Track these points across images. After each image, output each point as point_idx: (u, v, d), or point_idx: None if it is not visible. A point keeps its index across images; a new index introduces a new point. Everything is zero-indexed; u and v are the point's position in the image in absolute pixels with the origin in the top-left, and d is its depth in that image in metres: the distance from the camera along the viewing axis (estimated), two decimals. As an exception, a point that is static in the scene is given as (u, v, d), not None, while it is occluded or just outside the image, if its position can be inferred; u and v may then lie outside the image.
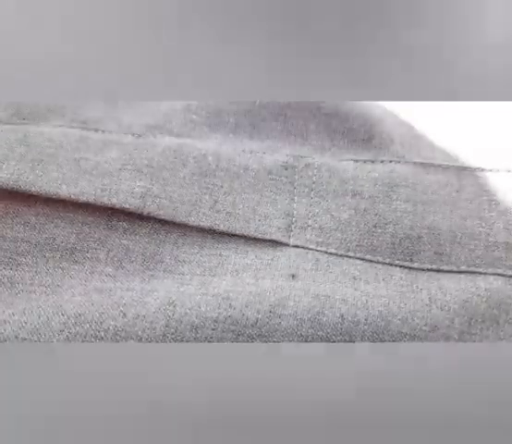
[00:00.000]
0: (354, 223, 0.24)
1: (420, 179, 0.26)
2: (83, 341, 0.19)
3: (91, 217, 0.24)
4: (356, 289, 0.22)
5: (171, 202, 0.23)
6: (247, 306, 0.20)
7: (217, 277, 0.22)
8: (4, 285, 0.22)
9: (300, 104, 0.28)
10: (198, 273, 0.22)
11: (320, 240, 0.24)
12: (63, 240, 0.23)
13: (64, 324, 0.19)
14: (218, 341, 0.19)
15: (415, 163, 0.26)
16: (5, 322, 0.19)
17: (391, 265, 0.24)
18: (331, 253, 0.24)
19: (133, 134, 0.26)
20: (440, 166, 0.26)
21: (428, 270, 0.24)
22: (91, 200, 0.23)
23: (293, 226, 0.24)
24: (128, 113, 0.28)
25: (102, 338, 0.19)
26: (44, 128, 0.26)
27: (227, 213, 0.24)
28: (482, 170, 0.26)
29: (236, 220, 0.24)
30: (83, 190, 0.23)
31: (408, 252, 0.24)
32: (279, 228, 0.24)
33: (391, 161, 0.26)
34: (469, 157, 0.27)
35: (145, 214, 0.23)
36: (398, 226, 0.24)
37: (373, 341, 0.21)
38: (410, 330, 0.21)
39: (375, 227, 0.24)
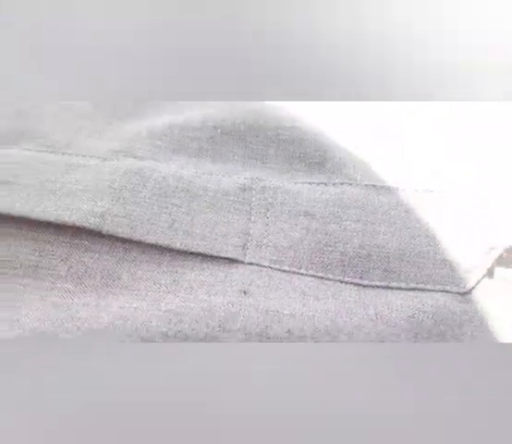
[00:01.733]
0: (306, 242, 0.25)
1: (371, 201, 0.27)
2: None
3: (54, 236, 0.25)
4: (304, 305, 0.23)
5: (130, 220, 0.25)
6: (197, 321, 0.21)
7: (171, 294, 0.23)
8: None
9: (260, 131, 0.30)
10: (153, 289, 0.23)
11: (274, 257, 0.25)
12: (26, 258, 0.24)
13: (18, 337, 0.20)
14: (167, 354, 0.20)
15: (366, 185, 0.28)
16: None
17: (341, 282, 0.25)
18: (284, 271, 0.25)
19: (98, 157, 0.28)
20: (390, 188, 0.28)
21: (377, 287, 0.25)
22: (53, 219, 0.24)
23: (249, 244, 0.25)
24: (95, 138, 0.29)
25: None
26: (12, 150, 0.27)
27: (185, 231, 0.25)
28: (431, 192, 0.28)
29: (193, 239, 0.25)
30: (46, 209, 0.24)
31: (357, 269, 0.25)
32: (235, 247, 0.25)
33: (343, 183, 0.28)
34: (419, 179, 0.28)
35: (104, 232, 0.24)
36: (348, 245, 0.25)
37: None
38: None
39: (326, 245, 0.25)
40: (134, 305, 0.22)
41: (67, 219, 0.24)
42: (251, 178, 0.28)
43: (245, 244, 0.25)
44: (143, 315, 0.21)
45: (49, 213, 0.24)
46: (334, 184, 0.28)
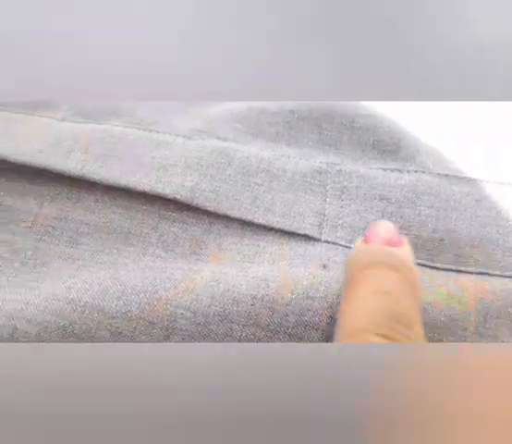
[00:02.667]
0: None
1: (444, 189, 0.28)
2: (138, 308, 0.21)
3: (145, 206, 0.26)
4: None
5: (217, 195, 0.26)
6: (283, 287, 0.22)
7: (256, 264, 0.24)
8: (65, 261, 0.24)
9: (335, 118, 0.31)
10: (238, 259, 0.25)
11: (349, 237, 0.26)
12: (119, 225, 0.26)
13: (121, 292, 0.21)
14: (256, 316, 0.21)
15: (439, 174, 0.29)
16: (69, 288, 0.22)
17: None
18: None
19: (183, 136, 0.29)
20: (463, 178, 0.29)
21: (448, 270, 0.26)
22: (147, 189, 0.25)
23: (324, 224, 0.27)
24: (178, 117, 0.31)
25: (154, 306, 0.21)
26: (105, 126, 0.29)
27: (266, 208, 0.26)
28: (502, 183, 0.28)
29: (273, 215, 0.26)
30: (140, 180, 0.26)
31: (430, 252, 0.26)
32: (312, 225, 0.26)
33: (417, 171, 0.29)
34: (491, 170, 0.29)
35: (194, 205, 0.26)
36: (422, 228, 0.26)
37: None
38: (430, 320, 0.23)
39: (401, 228, 0.26)
40: (223, 271, 0.23)
41: (160, 191, 0.25)
42: (327, 163, 0.29)
43: (321, 224, 0.27)
44: (234, 279, 0.22)
45: (143, 184, 0.26)
46: (408, 171, 0.29)
